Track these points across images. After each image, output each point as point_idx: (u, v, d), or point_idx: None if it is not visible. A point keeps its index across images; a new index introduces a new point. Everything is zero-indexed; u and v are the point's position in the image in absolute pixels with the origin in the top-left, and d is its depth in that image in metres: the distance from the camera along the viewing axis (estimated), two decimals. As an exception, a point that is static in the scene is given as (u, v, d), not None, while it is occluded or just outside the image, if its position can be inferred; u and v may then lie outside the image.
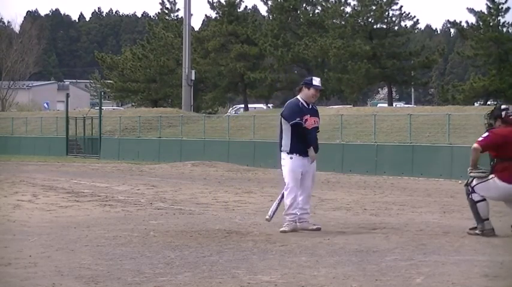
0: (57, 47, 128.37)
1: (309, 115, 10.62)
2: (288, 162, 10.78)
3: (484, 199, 10.71)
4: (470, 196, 10.76)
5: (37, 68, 78.98)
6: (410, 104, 77.85)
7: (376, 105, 65.62)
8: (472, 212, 10.78)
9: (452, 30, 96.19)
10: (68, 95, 44.44)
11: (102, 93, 49.76)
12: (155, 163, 31.22)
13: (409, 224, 11.42)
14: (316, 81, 10.74)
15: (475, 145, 10.65)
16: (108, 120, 40.60)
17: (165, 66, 52.97)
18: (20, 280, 7.32)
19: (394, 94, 67.87)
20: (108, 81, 59.44)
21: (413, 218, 12.33)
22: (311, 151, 10.74)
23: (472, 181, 10.78)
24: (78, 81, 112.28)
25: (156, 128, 37.86)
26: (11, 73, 71.44)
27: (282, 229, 10.55)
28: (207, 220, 11.95)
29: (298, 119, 10.53)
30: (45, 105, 74.75)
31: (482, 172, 10.75)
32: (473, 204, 10.71)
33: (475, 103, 46.09)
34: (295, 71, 55.74)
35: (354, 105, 47.93)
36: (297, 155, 10.68)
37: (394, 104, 56.72)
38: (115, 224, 11.38)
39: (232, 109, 59.39)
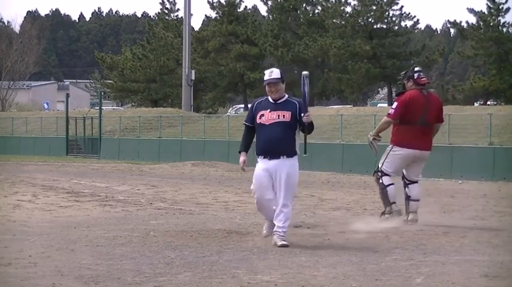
0: (57, 47, 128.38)
1: (268, 110, 9.31)
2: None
3: (393, 183, 11.24)
4: (380, 180, 11.22)
5: (37, 68, 78.99)
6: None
7: (376, 105, 65.61)
8: (381, 196, 11.35)
9: (452, 30, 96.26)
10: (68, 95, 44.45)
11: (102, 93, 49.78)
12: (155, 163, 31.22)
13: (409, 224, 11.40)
14: (266, 75, 9.38)
15: (387, 119, 11.26)
16: (108, 120, 40.61)
17: (165, 66, 52.98)
18: (20, 280, 7.32)
19: (394, 94, 67.84)
20: (108, 81, 59.48)
21: (413, 218, 12.29)
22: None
23: (379, 166, 11.25)
24: (78, 81, 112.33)
25: (156, 128, 37.86)
26: (11, 73, 71.46)
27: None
28: (207, 220, 11.94)
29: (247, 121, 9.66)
30: (45, 105, 74.75)
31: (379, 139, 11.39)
32: (383, 187, 11.23)
33: (475, 103, 46.11)
34: (295, 71, 55.75)
35: (354, 105, 47.96)
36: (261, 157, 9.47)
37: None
38: (115, 224, 11.38)
39: (232, 109, 59.39)
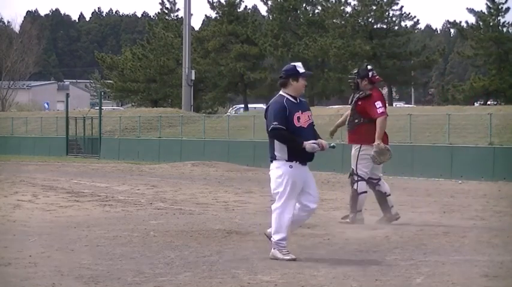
0: (57, 47, 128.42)
1: (300, 111, 8.52)
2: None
3: (366, 191, 11.28)
4: (356, 185, 11.21)
5: (37, 68, 79.01)
6: (410, 104, 77.85)
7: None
8: (351, 201, 11.32)
9: (452, 30, 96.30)
10: (68, 95, 44.43)
11: (102, 93, 49.77)
12: (155, 163, 31.22)
13: (409, 224, 11.41)
14: (301, 67, 8.59)
15: (384, 117, 11.13)
16: (108, 120, 40.60)
17: (165, 66, 52.98)
18: (20, 280, 7.32)
19: (394, 94, 67.87)
20: (108, 81, 59.48)
21: (414, 218, 12.32)
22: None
23: (354, 169, 11.15)
24: (78, 81, 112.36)
25: (156, 128, 37.85)
26: (11, 73, 71.46)
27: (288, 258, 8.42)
28: (207, 220, 11.94)
29: (276, 123, 8.39)
30: (46, 105, 74.76)
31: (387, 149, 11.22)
32: (355, 195, 11.23)
33: (475, 103, 46.12)
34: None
35: (353, 106, 47.84)
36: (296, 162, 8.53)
37: (394, 104, 56.73)
38: (115, 224, 11.38)
39: (232, 109, 59.40)
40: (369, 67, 11.65)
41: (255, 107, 52.79)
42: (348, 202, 11.63)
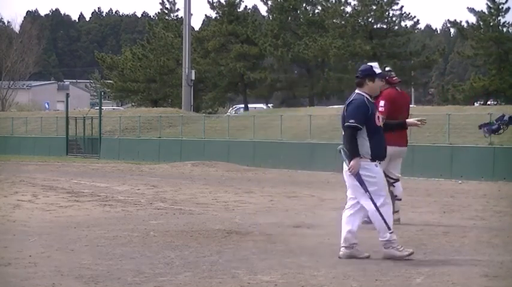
0: (57, 47, 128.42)
1: (376, 111, 8.72)
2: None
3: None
4: None
5: (37, 68, 79.00)
6: (411, 104, 77.83)
7: (376, 105, 65.54)
8: None
9: (452, 30, 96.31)
10: (68, 95, 44.44)
11: (102, 93, 49.77)
12: (155, 163, 31.22)
13: (409, 224, 11.41)
14: (377, 68, 8.74)
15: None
16: (108, 120, 40.60)
17: (165, 66, 52.97)
18: (20, 280, 7.32)
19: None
20: (108, 81, 59.46)
21: (414, 218, 12.32)
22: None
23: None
24: (78, 81, 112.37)
25: (156, 128, 37.85)
26: (11, 73, 71.46)
27: (407, 253, 8.36)
28: (207, 220, 11.94)
29: (352, 120, 8.43)
30: (46, 105, 74.78)
31: None
32: None
33: (475, 103, 46.12)
34: (295, 71, 55.78)
35: (354, 106, 47.82)
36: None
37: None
38: (115, 224, 11.38)
39: (232, 109, 59.39)
40: (387, 68, 11.67)
41: (255, 107, 52.80)
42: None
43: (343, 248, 8.46)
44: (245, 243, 9.57)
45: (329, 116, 31.35)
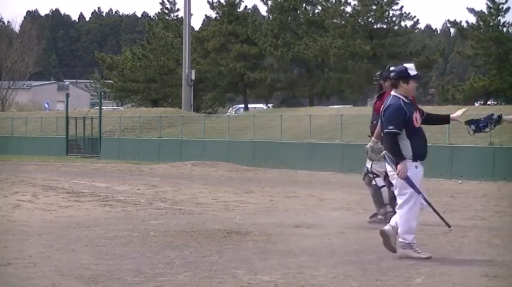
0: (57, 47, 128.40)
1: (413, 111, 8.62)
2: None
3: (384, 185, 11.12)
4: (373, 182, 11.17)
5: (37, 68, 78.97)
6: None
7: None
8: (375, 198, 11.28)
9: (452, 30, 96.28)
10: (68, 95, 44.43)
11: (102, 93, 49.76)
12: (155, 163, 31.21)
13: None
14: (412, 69, 8.69)
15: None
16: (108, 120, 40.59)
17: (165, 66, 52.97)
18: (20, 280, 7.32)
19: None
20: (108, 81, 59.46)
21: (414, 218, 12.29)
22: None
23: (369, 167, 11.16)
24: (78, 81, 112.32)
25: (156, 128, 37.84)
26: (11, 73, 71.45)
27: (425, 256, 8.44)
28: (207, 220, 11.94)
29: (391, 127, 8.44)
30: (46, 105, 74.76)
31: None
32: (377, 189, 11.24)
33: (475, 103, 46.11)
34: (295, 71, 55.77)
35: (354, 105, 47.94)
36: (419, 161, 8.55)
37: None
38: (115, 224, 11.38)
39: (232, 109, 59.40)
40: (392, 68, 11.61)
41: (255, 107, 52.80)
42: (372, 201, 11.47)
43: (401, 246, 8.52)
44: (245, 243, 9.56)
45: (329, 116, 31.35)
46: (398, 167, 8.35)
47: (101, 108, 40.32)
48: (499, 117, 8.96)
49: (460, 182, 21.71)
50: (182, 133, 34.95)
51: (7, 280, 7.39)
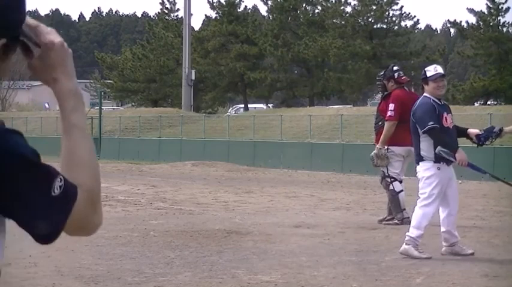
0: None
1: (445, 112, 8.88)
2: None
3: (403, 190, 11.17)
4: (391, 186, 11.13)
5: (37, 68, 78.89)
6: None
7: (377, 105, 65.53)
8: (392, 203, 11.19)
9: (452, 30, 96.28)
10: (68, 95, 44.37)
11: (102, 93, 49.76)
12: (155, 163, 31.21)
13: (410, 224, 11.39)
14: (431, 71, 8.86)
15: (392, 121, 11.05)
16: (108, 120, 40.60)
17: (165, 66, 52.98)
18: (20, 280, 7.32)
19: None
20: (108, 81, 59.46)
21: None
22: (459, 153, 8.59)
23: (385, 171, 11.16)
24: (78, 81, 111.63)
25: (156, 128, 37.84)
26: (11, 73, 71.44)
27: (425, 256, 8.57)
28: (207, 220, 11.94)
29: (431, 123, 8.62)
30: (46, 105, 74.73)
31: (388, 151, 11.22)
32: (395, 194, 11.13)
33: (475, 103, 46.10)
34: (295, 71, 55.77)
35: (354, 105, 47.93)
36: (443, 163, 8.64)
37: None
38: (115, 224, 11.37)
39: (232, 109, 59.41)
40: (395, 68, 11.60)
41: (255, 107, 52.80)
42: (389, 205, 11.41)
43: (445, 247, 8.71)
44: (245, 243, 9.57)
45: (329, 116, 31.35)
46: (457, 156, 8.51)
47: (101, 108, 40.31)
48: (500, 130, 9.02)
49: (460, 182, 21.67)
50: (182, 133, 34.95)
51: (7, 280, 7.38)
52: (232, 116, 40.67)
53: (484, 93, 45.33)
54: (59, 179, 1.63)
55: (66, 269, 7.79)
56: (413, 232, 8.55)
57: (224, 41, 53.35)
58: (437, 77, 8.79)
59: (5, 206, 1.63)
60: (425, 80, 8.83)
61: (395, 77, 11.29)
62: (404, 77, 11.45)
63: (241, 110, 53.58)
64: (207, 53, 53.39)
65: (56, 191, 1.62)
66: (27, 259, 8.38)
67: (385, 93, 11.44)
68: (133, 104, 61.22)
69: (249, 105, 53.72)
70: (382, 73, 11.66)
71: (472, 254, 8.63)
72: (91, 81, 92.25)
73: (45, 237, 1.74)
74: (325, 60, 49.79)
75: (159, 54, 53.43)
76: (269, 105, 59.94)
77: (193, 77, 44.54)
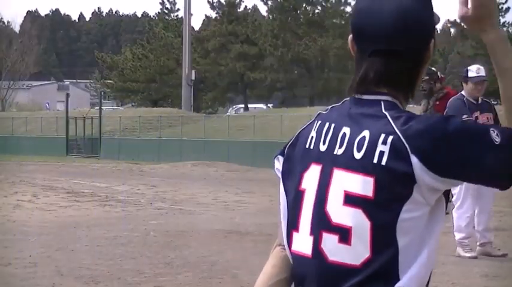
0: (57, 47, 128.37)
1: (478, 112, 8.77)
2: None
3: None
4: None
5: (37, 68, 79.00)
6: (411, 104, 77.84)
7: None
8: None
9: (452, 30, 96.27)
10: (68, 95, 44.43)
11: (102, 93, 49.78)
12: (155, 163, 31.20)
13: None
14: (473, 71, 8.83)
15: None
16: (108, 120, 40.59)
17: (165, 66, 53.01)
18: (20, 280, 7.32)
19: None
20: (108, 81, 59.48)
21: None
22: None
23: None
24: (78, 81, 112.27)
25: (156, 128, 37.84)
26: (11, 73, 71.48)
27: (467, 254, 8.72)
28: (207, 220, 11.94)
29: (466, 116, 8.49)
30: (46, 105, 74.77)
31: None
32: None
33: (475, 103, 46.13)
34: (295, 71, 55.78)
35: (354, 105, 47.89)
36: None
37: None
38: (115, 224, 11.37)
39: (232, 109, 59.42)
40: (433, 69, 11.68)
41: (255, 107, 52.79)
42: None
43: (478, 247, 8.82)
44: (245, 243, 9.56)
45: (329, 116, 31.29)
46: None
47: (101, 108, 40.33)
48: None
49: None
50: (182, 133, 34.94)
51: (7, 280, 7.39)
52: (232, 116, 40.66)
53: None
54: (492, 131, 1.89)
55: (66, 269, 7.79)
56: (456, 235, 8.83)
57: (224, 41, 53.39)
58: (477, 81, 8.82)
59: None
60: (465, 78, 8.84)
61: (440, 77, 11.40)
62: (443, 76, 11.64)
63: (241, 110, 53.59)
64: (207, 53, 53.43)
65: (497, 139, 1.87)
66: (27, 259, 8.38)
67: (437, 94, 11.35)
68: (133, 104, 61.25)
69: (249, 106, 53.72)
70: (426, 77, 11.47)
71: (504, 255, 8.63)
72: (91, 81, 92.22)
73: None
74: (325, 60, 49.82)
75: (159, 54, 53.46)
76: (269, 105, 59.94)
77: (193, 77, 44.56)
